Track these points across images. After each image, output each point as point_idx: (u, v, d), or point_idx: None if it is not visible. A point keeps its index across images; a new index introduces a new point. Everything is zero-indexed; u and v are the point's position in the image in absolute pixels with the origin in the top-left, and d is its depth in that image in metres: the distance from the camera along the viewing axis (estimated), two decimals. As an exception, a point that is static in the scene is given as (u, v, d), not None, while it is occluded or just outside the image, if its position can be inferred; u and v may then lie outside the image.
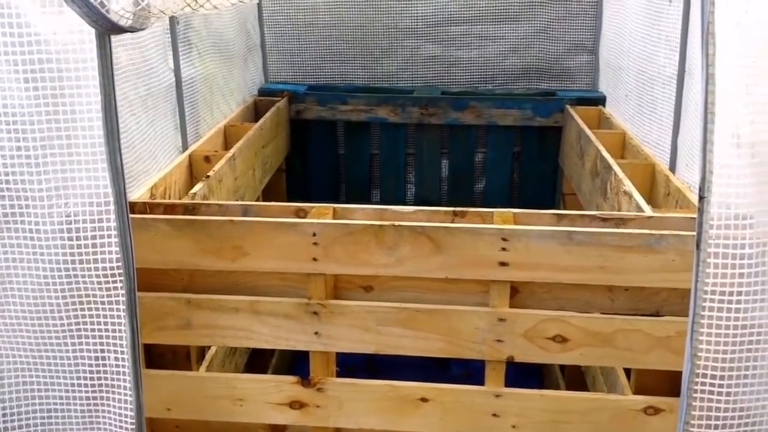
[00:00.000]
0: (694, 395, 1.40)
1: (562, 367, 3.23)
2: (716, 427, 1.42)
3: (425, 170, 4.28)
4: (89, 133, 1.44)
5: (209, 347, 2.49)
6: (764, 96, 1.23)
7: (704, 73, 1.18)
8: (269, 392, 2.15)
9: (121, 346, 1.58)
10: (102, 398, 1.63)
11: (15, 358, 1.60)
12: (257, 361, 3.18)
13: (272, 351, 3.42)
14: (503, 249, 1.94)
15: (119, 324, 1.57)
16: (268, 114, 3.74)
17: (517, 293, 2.02)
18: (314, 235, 1.98)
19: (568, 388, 2.97)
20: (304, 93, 4.16)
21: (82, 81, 1.40)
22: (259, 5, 4.15)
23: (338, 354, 2.18)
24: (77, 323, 1.57)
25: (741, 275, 1.32)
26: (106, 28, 1.36)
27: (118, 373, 1.60)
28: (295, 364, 3.56)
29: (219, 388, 2.16)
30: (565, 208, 3.83)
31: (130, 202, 1.54)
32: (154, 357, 2.24)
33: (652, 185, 2.77)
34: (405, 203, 4.23)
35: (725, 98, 1.20)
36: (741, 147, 1.23)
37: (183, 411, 2.18)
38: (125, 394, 1.61)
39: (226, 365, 2.69)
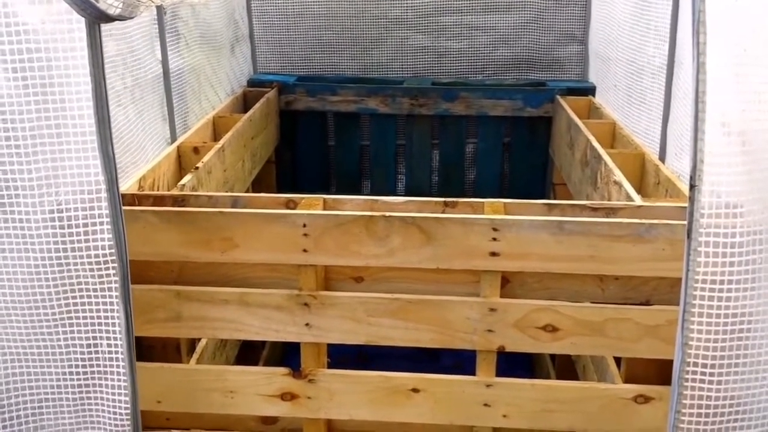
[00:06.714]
0: (685, 384, 1.41)
1: (553, 357, 3.24)
2: (707, 415, 1.43)
3: (415, 161, 4.28)
4: (79, 122, 1.43)
5: (199, 339, 2.49)
6: (755, 84, 1.23)
7: (695, 62, 1.18)
8: (260, 384, 2.15)
9: (114, 333, 1.58)
10: (94, 386, 1.62)
11: (5, 348, 1.59)
12: (248, 353, 3.17)
13: (263, 343, 3.41)
14: (494, 239, 1.94)
15: (112, 312, 1.56)
16: (257, 105, 3.72)
17: (507, 283, 2.02)
18: (304, 226, 1.97)
19: (559, 377, 2.98)
20: (293, 84, 4.15)
21: (71, 70, 1.39)
22: (248, -5, 4.14)
23: (329, 345, 2.18)
24: (69, 312, 1.57)
25: (731, 264, 1.32)
26: (95, 17, 1.34)
27: (110, 360, 1.60)
28: (287, 355, 3.56)
29: (210, 381, 2.15)
30: (555, 198, 3.83)
31: (119, 193, 1.53)
32: (144, 349, 2.22)
33: (642, 175, 2.78)
34: (395, 194, 4.23)
35: (715, 87, 1.20)
36: (731, 135, 1.24)
37: (173, 404, 2.17)
38: (118, 381, 1.61)
39: (217, 357, 2.68)
